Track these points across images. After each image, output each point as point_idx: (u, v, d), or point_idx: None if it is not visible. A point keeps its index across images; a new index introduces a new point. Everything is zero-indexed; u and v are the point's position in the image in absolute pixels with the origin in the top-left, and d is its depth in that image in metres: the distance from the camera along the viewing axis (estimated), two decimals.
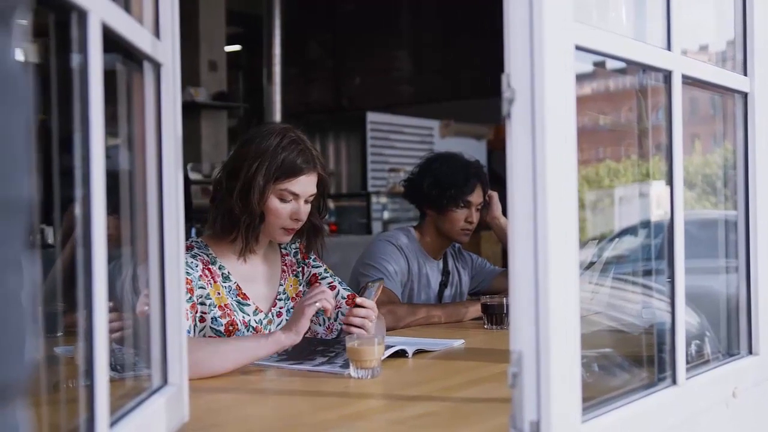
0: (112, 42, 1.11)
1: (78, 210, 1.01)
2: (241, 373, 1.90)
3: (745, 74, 1.80)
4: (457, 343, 2.33)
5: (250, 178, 2.13)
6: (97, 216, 1.01)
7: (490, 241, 6.55)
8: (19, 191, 0.55)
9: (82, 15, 0.99)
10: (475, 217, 3.00)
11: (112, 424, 1.08)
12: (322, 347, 2.11)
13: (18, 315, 0.55)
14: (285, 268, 2.36)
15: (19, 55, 0.57)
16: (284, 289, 2.32)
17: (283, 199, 2.17)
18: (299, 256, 2.39)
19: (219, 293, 2.16)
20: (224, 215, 2.18)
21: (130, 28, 1.18)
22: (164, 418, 1.31)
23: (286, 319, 2.27)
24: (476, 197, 2.99)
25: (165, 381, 1.37)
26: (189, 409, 1.43)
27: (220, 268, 2.20)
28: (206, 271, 2.16)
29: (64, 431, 1.15)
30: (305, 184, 2.18)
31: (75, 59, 1.02)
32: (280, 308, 2.30)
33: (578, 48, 1.25)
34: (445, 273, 3.13)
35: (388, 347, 2.02)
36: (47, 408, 1.19)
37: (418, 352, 2.16)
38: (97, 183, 1.01)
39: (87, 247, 1.01)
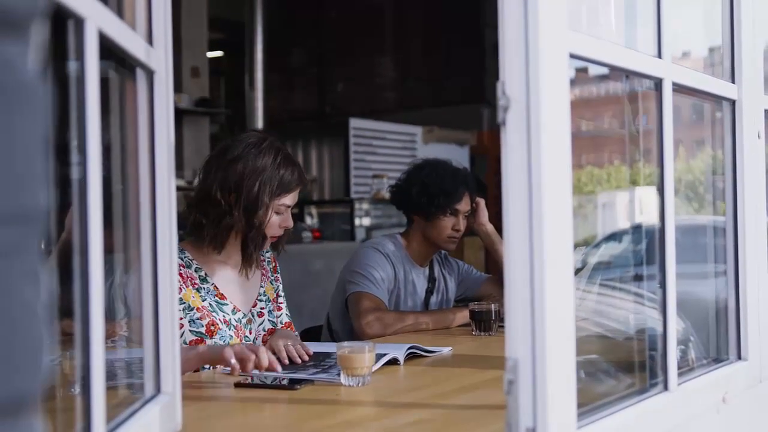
0: (106, 49, 1.10)
1: (75, 217, 1.00)
2: (234, 383, 1.89)
3: (733, 81, 1.82)
4: (446, 350, 2.33)
5: (254, 198, 2.20)
6: (94, 223, 1.00)
7: (473, 247, 6.56)
8: (36, 201, 0.55)
9: (79, 22, 0.99)
10: (462, 224, 3.00)
11: None
12: (313, 361, 2.10)
13: (35, 326, 0.55)
14: (264, 272, 2.44)
15: (36, 65, 0.57)
16: (264, 291, 2.41)
17: (278, 213, 2.27)
18: (271, 266, 2.48)
19: (194, 296, 2.21)
20: (225, 231, 2.23)
21: (125, 36, 1.18)
22: (158, 427, 1.30)
23: (268, 320, 2.38)
24: (464, 205, 3.00)
25: (158, 390, 1.36)
26: (182, 418, 1.42)
27: (196, 271, 2.25)
28: (179, 275, 2.18)
29: None
30: (296, 196, 2.31)
31: (71, 66, 1.01)
32: (261, 308, 2.38)
33: (572, 56, 1.25)
34: (432, 280, 3.13)
35: (379, 356, 2.02)
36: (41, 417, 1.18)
37: (411, 356, 2.16)
38: (93, 190, 1.00)
39: (83, 255, 1.00)
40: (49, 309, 0.59)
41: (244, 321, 2.29)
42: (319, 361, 2.10)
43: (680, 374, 1.56)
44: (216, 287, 2.26)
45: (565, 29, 1.21)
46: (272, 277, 2.46)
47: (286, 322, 2.42)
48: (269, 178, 2.21)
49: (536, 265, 1.16)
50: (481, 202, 3.10)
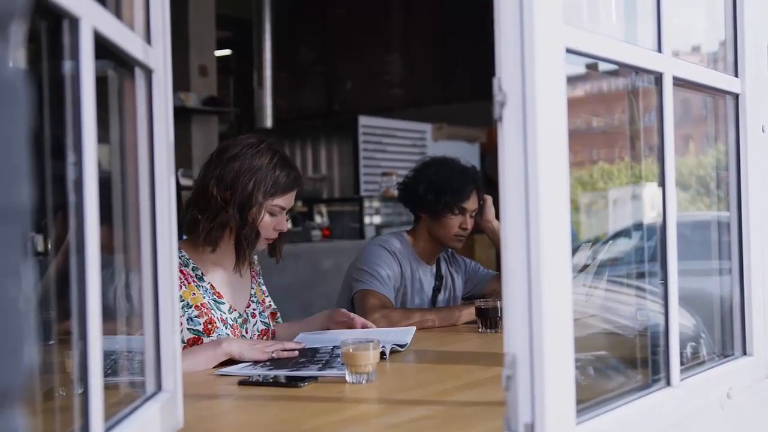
0: (103, 48, 1.11)
1: (71, 217, 1.00)
2: (235, 381, 1.89)
3: (736, 75, 1.81)
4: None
5: (248, 195, 2.24)
6: (91, 223, 1.01)
7: (484, 245, 6.55)
8: (17, 198, 0.55)
9: (74, 22, 0.99)
10: (470, 223, 3.00)
11: (107, 430, 1.08)
12: (304, 359, 2.10)
13: (17, 321, 0.55)
14: (254, 274, 2.48)
15: (17, 62, 0.57)
16: (254, 293, 2.44)
17: (272, 214, 2.30)
18: (258, 270, 2.52)
19: (194, 293, 2.25)
20: (219, 227, 2.26)
21: (122, 35, 1.18)
22: (159, 425, 1.30)
23: (261, 321, 2.41)
24: (471, 204, 2.99)
25: (159, 387, 1.37)
26: (183, 415, 1.43)
27: (193, 270, 2.29)
28: (179, 274, 2.20)
29: None
30: (292, 199, 2.34)
31: (66, 66, 1.01)
32: (254, 310, 2.42)
33: (569, 51, 1.25)
34: (439, 278, 3.13)
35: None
36: (41, 415, 1.19)
37: (393, 351, 2.19)
38: (90, 190, 1.01)
39: (80, 254, 1.00)
40: (32, 304, 0.59)
41: (239, 321, 2.33)
42: (311, 357, 2.10)
43: (684, 370, 1.56)
44: (212, 286, 2.29)
45: (560, 24, 1.21)
46: (259, 280, 2.50)
47: (262, 329, 2.42)
48: (264, 177, 2.25)
49: (533, 259, 1.15)
50: (489, 199, 3.09)
